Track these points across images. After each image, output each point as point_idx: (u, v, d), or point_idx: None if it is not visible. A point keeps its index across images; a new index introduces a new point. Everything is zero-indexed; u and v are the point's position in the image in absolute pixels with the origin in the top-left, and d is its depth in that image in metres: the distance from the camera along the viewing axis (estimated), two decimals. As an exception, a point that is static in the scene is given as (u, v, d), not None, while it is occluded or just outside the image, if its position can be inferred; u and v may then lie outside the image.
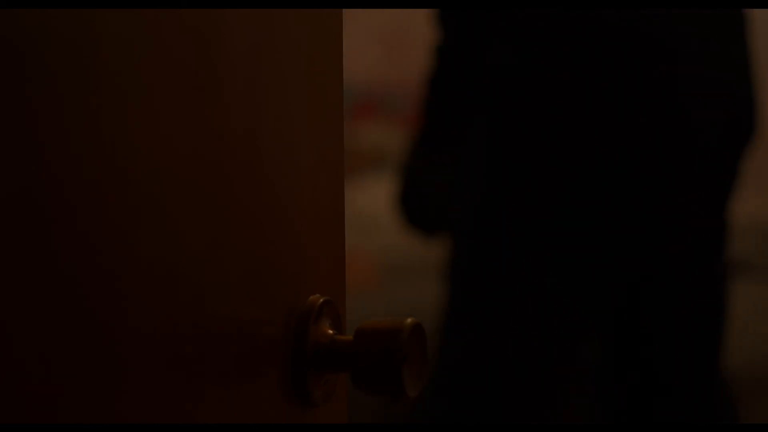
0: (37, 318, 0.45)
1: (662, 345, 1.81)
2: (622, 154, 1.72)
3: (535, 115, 1.74)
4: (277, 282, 0.63)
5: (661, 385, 1.81)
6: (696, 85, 1.74)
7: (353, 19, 4.08)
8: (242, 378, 0.59)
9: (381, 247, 3.08)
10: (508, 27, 1.75)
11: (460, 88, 1.86)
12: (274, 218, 0.63)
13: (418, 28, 4.43)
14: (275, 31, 0.63)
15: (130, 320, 0.50)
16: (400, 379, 0.62)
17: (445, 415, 1.85)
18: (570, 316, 1.77)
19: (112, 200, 0.49)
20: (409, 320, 0.63)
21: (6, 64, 0.43)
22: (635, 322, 1.81)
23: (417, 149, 1.92)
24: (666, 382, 1.81)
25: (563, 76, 1.72)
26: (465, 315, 1.84)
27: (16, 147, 0.44)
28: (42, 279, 0.45)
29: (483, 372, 1.80)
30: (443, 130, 1.90)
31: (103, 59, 0.49)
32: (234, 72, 0.59)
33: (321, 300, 0.65)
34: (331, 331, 0.65)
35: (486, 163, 1.80)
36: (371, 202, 3.23)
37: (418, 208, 1.94)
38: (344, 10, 0.72)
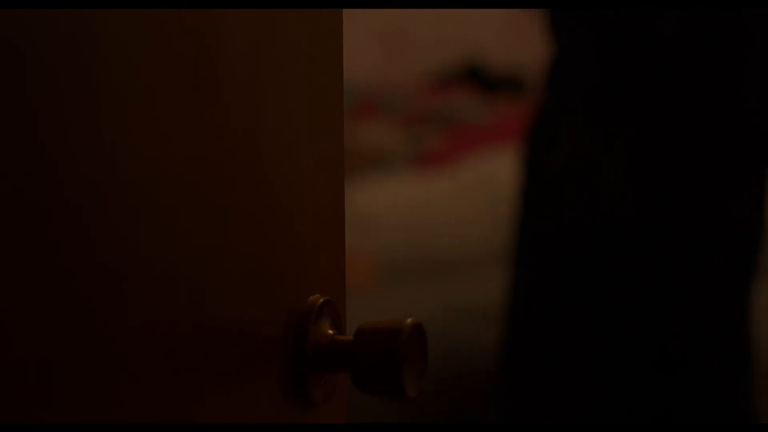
0: (38, 317, 0.45)
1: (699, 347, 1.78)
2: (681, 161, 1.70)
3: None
4: (277, 282, 0.63)
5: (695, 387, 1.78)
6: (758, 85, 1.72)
7: (353, 19, 4.08)
8: (242, 378, 0.59)
9: (381, 247, 3.08)
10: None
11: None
12: (274, 218, 0.63)
13: (418, 28, 4.44)
14: (275, 31, 0.63)
15: (130, 320, 0.50)
16: (400, 379, 0.62)
17: None
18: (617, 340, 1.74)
19: (112, 200, 0.49)
20: (409, 320, 0.63)
21: (6, 64, 0.43)
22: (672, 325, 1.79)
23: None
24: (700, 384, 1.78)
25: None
26: (523, 353, 1.82)
27: (16, 146, 0.44)
28: (42, 278, 0.45)
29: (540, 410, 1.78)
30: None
31: (103, 59, 0.49)
32: (234, 72, 0.59)
33: (321, 300, 0.65)
34: (331, 331, 0.65)
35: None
36: (371, 202, 3.23)
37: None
38: (344, 10, 0.71)
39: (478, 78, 4.36)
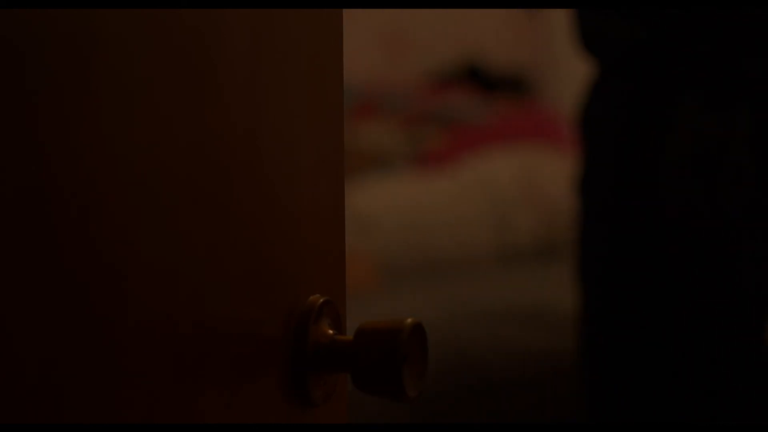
0: (38, 316, 0.45)
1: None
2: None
3: None
4: (277, 282, 0.63)
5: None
6: None
7: (353, 19, 4.08)
8: (242, 378, 0.59)
9: (381, 247, 3.08)
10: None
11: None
12: (274, 218, 0.63)
13: (418, 28, 4.44)
14: (275, 31, 0.63)
15: (130, 320, 0.50)
16: (400, 379, 0.62)
17: None
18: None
19: (113, 199, 0.49)
20: (409, 320, 0.63)
21: (6, 64, 0.43)
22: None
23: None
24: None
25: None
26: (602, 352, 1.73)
27: (17, 146, 0.44)
28: (43, 278, 0.45)
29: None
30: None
31: (103, 58, 0.49)
32: (234, 72, 0.59)
33: (321, 300, 0.65)
34: (331, 331, 0.65)
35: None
36: (371, 202, 3.23)
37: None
38: (344, 10, 0.71)
39: (478, 78, 4.36)
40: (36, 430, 0.44)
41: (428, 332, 0.65)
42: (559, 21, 4.49)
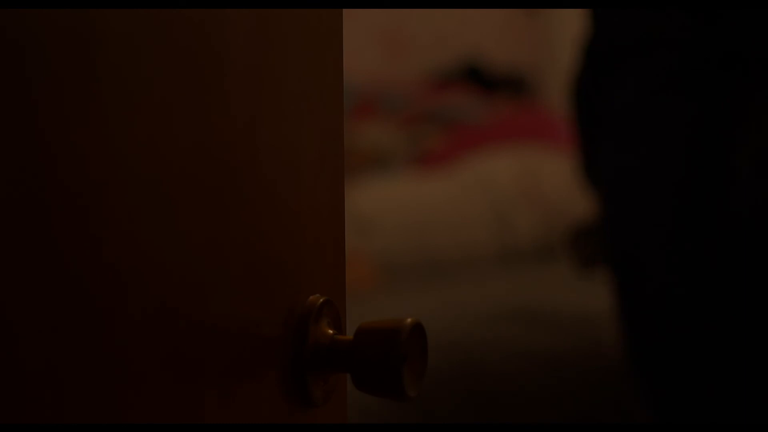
0: (38, 315, 0.45)
1: None
2: None
3: None
4: (277, 282, 0.63)
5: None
6: None
7: (353, 19, 4.09)
8: (242, 378, 0.59)
9: (381, 247, 3.08)
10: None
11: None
12: (274, 218, 0.63)
13: (418, 28, 4.44)
14: (275, 31, 0.63)
15: (130, 319, 0.50)
16: (400, 379, 0.62)
17: None
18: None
19: (113, 196, 0.49)
20: (409, 320, 0.63)
21: (8, 61, 0.43)
22: None
23: None
24: None
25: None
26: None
27: (18, 137, 0.44)
28: (42, 274, 0.45)
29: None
30: None
31: (106, 57, 0.49)
32: (234, 72, 0.59)
33: (321, 300, 0.65)
34: (331, 331, 0.65)
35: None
36: (371, 202, 3.23)
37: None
38: (344, 10, 0.71)
39: (478, 78, 4.36)
40: (36, 430, 0.44)
41: (428, 332, 0.65)
42: (559, 21, 4.49)
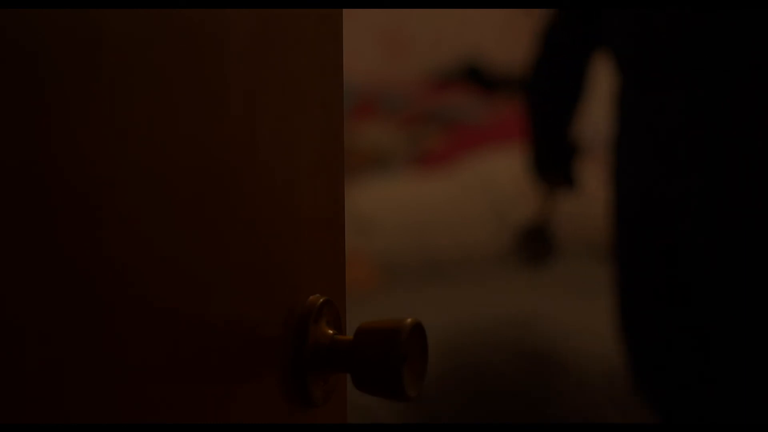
0: (39, 315, 0.45)
1: None
2: None
3: None
4: (277, 282, 0.63)
5: None
6: None
7: (353, 19, 4.09)
8: (242, 378, 0.59)
9: (381, 247, 3.08)
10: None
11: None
12: (274, 218, 0.63)
13: (418, 28, 4.44)
14: (275, 31, 0.63)
15: (131, 319, 0.50)
16: (400, 379, 0.62)
17: None
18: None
19: (116, 197, 0.49)
20: (409, 320, 0.63)
21: (18, 64, 0.43)
22: None
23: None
24: None
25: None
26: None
27: (26, 139, 0.44)
28: (46, 273, 0.45)
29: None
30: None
31: (111, 58, 0.49)
32: (234, 72, 0.59)
33: (321, 300, 0.65)
34: (331, 331, 0.65)
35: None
36: (371, 202, 3.23)
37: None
38: (344, 10, 0.71)
39: (478, 78, 4.36)
40: (37, 428, 0.44)
41: (428, 332, 0.65)
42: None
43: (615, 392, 2.27)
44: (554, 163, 2.04)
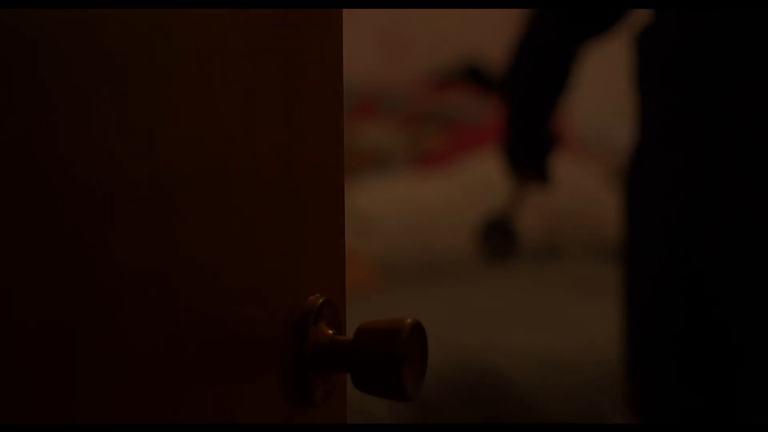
0: (40, 314, 0.45)
1: None
2: None
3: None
4: (277, 282, 0.63)
5: None
6: None
7: (353, 19, 4.08)
8: (242, 378, 0.59)
9: (381, 247, 3.08)
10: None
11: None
12: (274, 218, 0.63)
13: (418, 28, 4.44)
14: (275, 31, 0.63)
15: (131, 320, 0.50)
16: (400, 379, 0.62)
17: None
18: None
19: (116, 199, 0.49)
20: (409, 320, 0.63)
21: (22, 62, 0.43)
22: None
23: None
24: None
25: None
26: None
27: (28, 138, 0.44)
28: (47, 272, 0.45)
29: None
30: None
31: (111, 58, 0.49)
32: (234, 72, 0.59)
33: (321, 300, 0.65)
34: (331, 331, 0.65)
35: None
36: (371, 202, 3.23)
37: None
38: (344, 10, 0.71)
39: (478, 78, 4.36)
40: (36, 429, 0.44)
41: (428, 332, 0.65)
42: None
43: (615, 392, 2.27)
44: (528, 156, 2.01)
